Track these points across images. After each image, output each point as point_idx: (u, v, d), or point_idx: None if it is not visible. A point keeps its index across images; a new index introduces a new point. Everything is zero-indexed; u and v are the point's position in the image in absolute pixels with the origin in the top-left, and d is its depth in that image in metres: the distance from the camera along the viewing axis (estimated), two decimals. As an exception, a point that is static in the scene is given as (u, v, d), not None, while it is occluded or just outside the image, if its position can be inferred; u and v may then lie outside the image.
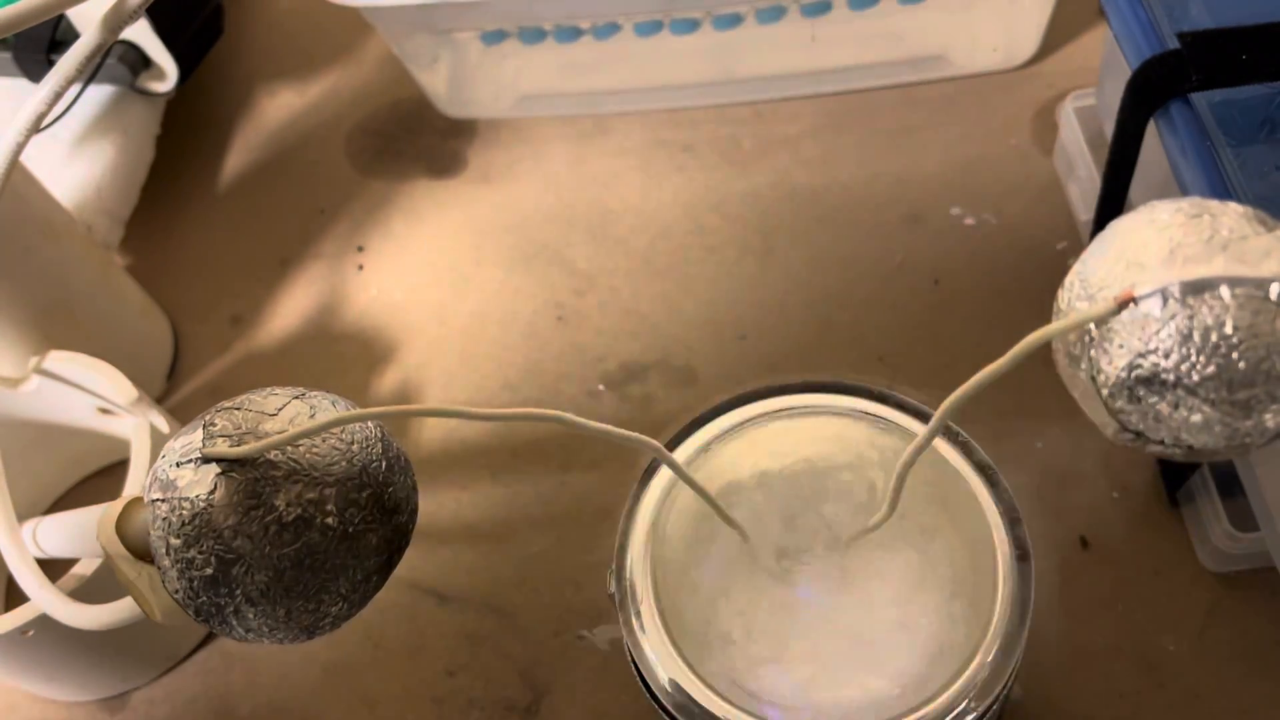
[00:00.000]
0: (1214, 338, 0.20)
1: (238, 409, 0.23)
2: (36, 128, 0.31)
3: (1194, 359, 0.21)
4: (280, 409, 0.23)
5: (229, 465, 0.22)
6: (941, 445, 0.31)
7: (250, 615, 0.23)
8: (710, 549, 0.30)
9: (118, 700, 0.43)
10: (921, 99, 0.53)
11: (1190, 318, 0.20)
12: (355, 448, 0.23)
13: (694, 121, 0.54)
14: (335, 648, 0.42)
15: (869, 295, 0.48)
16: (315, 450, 0.23)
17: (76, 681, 0.41)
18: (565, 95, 0.55)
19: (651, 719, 0.30)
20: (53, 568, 0.36)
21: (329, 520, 0.23)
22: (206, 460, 0.22)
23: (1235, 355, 0.20)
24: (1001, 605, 0.28)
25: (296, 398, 0.24)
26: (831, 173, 0.52)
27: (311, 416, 0.24)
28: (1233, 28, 0.35)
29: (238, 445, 0.22)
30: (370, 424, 0.24)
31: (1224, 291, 0.20)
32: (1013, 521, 0.30)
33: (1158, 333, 0.21)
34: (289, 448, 0.23)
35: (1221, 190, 0.33)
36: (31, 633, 0.37)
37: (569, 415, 0.24)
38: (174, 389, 0.50)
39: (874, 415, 0.32)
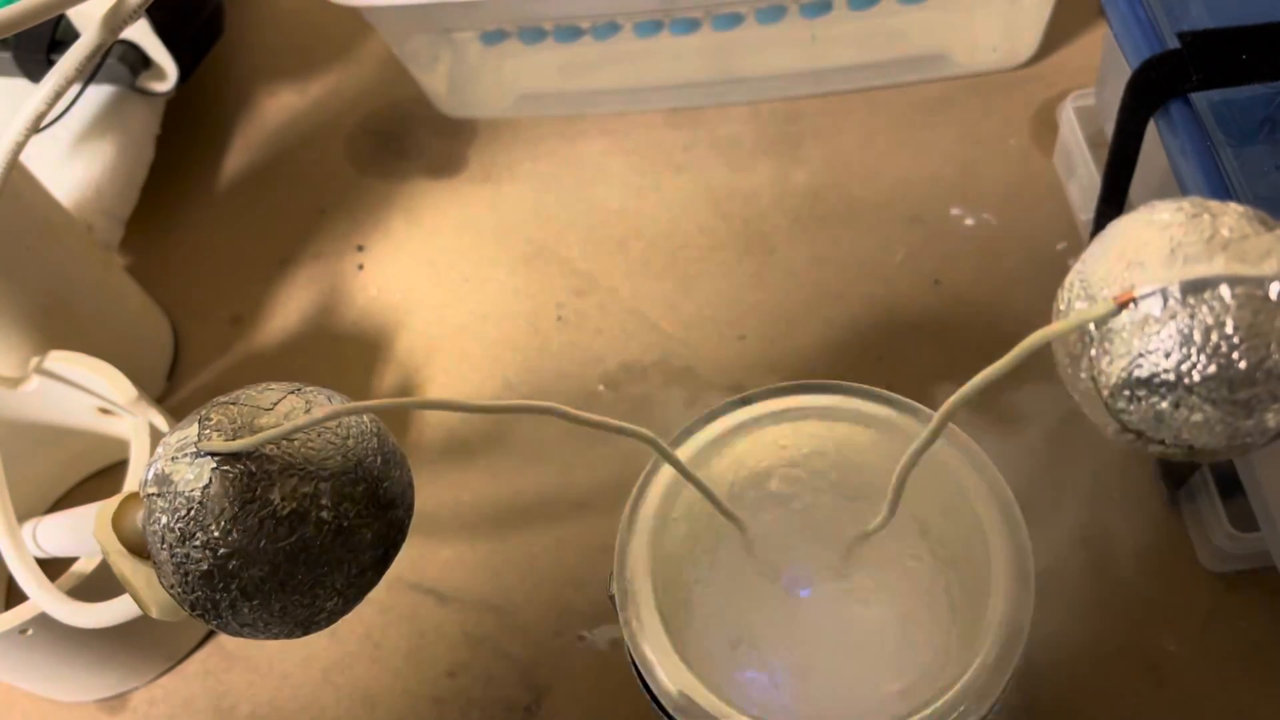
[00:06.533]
0: (1214, 337, 0.20)
1: (233, 403, 0.23)
2: (36, 128, 0.31)
3: (1194, 358, 0.20)
4: (276, 403, 0.23)
5: (224, 459, 0.22)
6: (941, 447, 0.31)
7: (245, 610, 0.23)
8: (710, 550, 0.30)
9: (118, 700, 0.42)
10: (921, 99, 0.53)
11: (1191, 317, 0.20)
12: (350, 442, 0.23)
13: (694, 121, 0.54)
14: (335, 648, 0.42)
15: (869, 295, 0.48)
16: (310, 445, 0.23)
17: (76, 681, 0.41)
18: (566, 95, 0.55)
19: (651, 719, 0.30)
20: (53, 567, 0.36)
21: (324, 514, 0.23)
22: (202, 454, 0.22)
23: (1236, 355, 0.20)
24: (1001, 607, 0.28)
25: (292, 393, 0.24)
26: (831, 173, 0.52)
27: (307, 411, 0.23)
28: (1233, 28, 0.35)
29: (233, 439, 0.22)
30: (366, 419, 0.24)
31: (1224, 291, 0.20)
32: (1012, 522, 0.30)
33: (1158, 332, 0.21)
34: (284, 442, 0.23)
35: (1221, 190, 0.33)
36: (31, 632, 0.37)
37: (563, 407, 0.24)
38: (174, 389, 0.50)
39: (874, 417, 0.32)
